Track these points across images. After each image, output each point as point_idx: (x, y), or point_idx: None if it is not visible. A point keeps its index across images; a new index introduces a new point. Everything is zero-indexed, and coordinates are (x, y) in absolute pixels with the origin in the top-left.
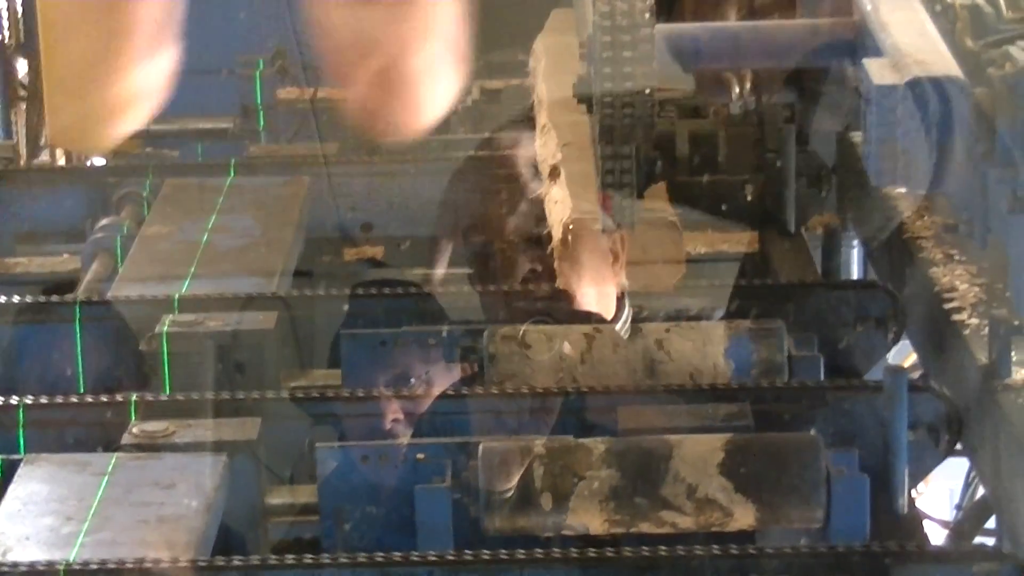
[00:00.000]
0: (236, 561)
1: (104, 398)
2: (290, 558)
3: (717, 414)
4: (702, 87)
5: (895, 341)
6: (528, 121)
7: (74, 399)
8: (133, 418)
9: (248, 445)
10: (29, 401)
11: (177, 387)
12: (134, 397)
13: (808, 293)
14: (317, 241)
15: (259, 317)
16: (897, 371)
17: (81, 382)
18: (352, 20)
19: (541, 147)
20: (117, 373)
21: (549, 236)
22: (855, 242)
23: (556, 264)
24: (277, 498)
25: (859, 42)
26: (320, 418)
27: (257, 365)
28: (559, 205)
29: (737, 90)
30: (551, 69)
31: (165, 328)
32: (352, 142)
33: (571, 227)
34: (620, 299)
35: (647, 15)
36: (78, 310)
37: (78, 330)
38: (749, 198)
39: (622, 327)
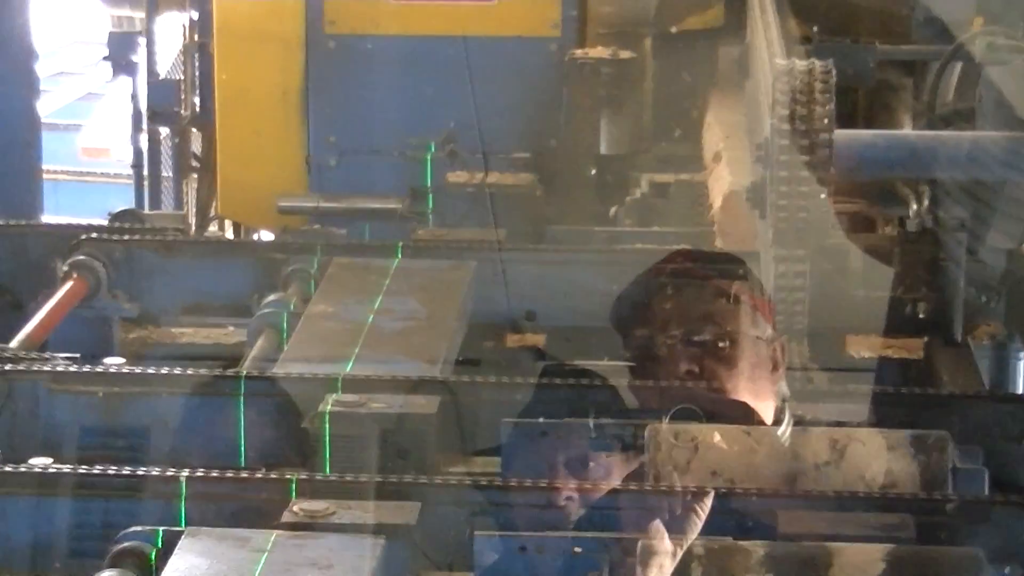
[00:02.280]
0: None
1: (265, 475)
2: None
3: (879, 524)
4: (878, 198)
5: None
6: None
7: (236, 474)
8: (294, 496)
9: (407, 530)
10: (191, 474)
11: (338, 467)
12: (295, 475)
13: (974, 404)
14: (480, 326)
15: (422, 401)
16: None
17: (243, 457)
18: None
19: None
20: (279, 450)
21: (712, 341)
22: (1021, 353)
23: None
24: None
25: None
26: (479, 506)
27: (419, 449)
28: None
29: (915, 206)
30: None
31: (328, 408)
32: (519, 228)
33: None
34: (781, 405)
35: (827, 120)
36: (243, 385)
37: (242, 405)
38: (921, 315)
39: (784, 431)
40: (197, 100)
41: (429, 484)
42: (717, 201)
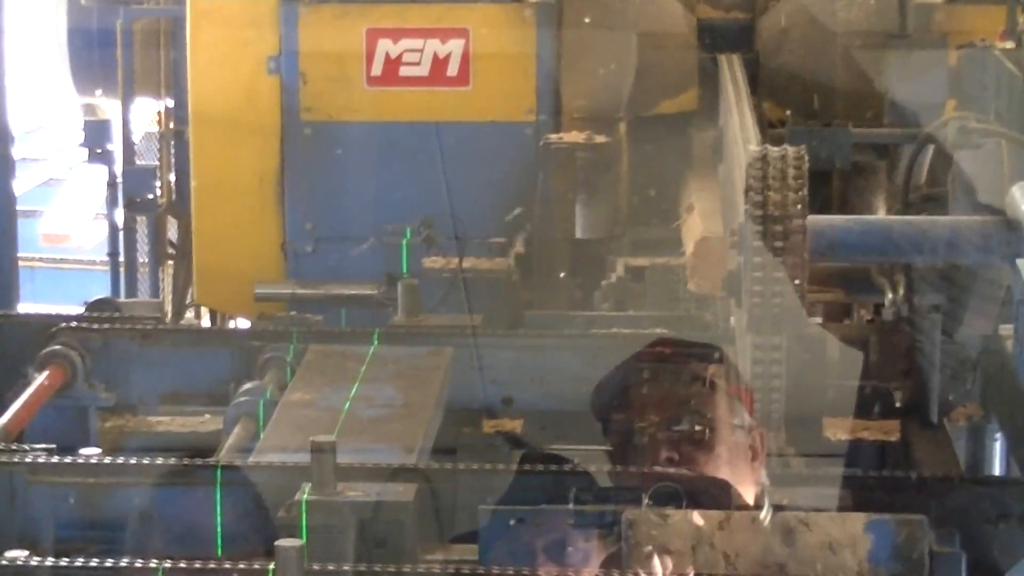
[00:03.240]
0: None
1: (242, 564)
2: None
3: None
4: (853, 287)
5: None
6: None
7: (213, 564)
8: None
9: None
10: (170, 565)
11: (315, 556)
12: (271, 565)
13: (951, 488)
14: (457, 412)
15: (399, 489)
16: None
17: (219, 546)
18: None
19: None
20: (256, 539)
21: (691, 429)
22: (997, 435)
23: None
24: None
25: (1013, 241)
26: None
27: (396, 537)
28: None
29: (890, 294)
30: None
31: (304, 496)
32: (495, 314)
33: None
34: (760, 493)
35: (799, 206)
36: (219, 474)
37: (218, 494)
38: (898, 404)
39: (764, 518)
40: (174, 188)
41: (408, 573)
42: (689, 247)
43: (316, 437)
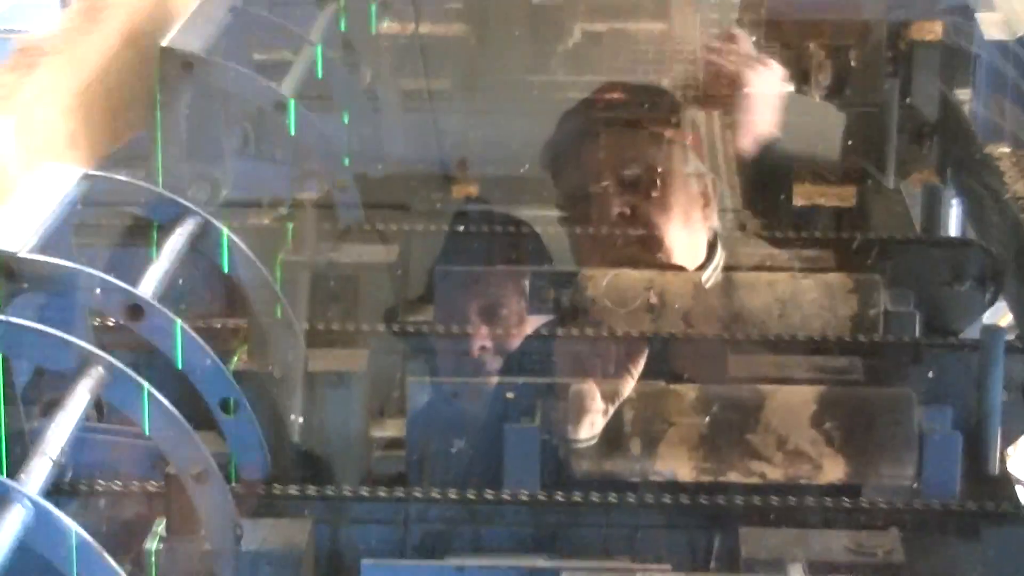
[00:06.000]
0: (329, 491)
1: None
2: (377, 490)
3: (827, 367)
4: None
5: (992, 301)
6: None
7: None
8: None
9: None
10: None
11: None
12: None
13: (905, 249)
14: (423, 175)
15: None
16: (994, 330)
17: None
18: None
19: None
20: None
21: (641, 180)
22: (954, 200)
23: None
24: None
25: None
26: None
27: None
28: None
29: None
30: None
31: None
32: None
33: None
34: (711, 245)
35: None
36: None
37: None
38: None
39: (711, 274)
40: None
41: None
42: None
43: None
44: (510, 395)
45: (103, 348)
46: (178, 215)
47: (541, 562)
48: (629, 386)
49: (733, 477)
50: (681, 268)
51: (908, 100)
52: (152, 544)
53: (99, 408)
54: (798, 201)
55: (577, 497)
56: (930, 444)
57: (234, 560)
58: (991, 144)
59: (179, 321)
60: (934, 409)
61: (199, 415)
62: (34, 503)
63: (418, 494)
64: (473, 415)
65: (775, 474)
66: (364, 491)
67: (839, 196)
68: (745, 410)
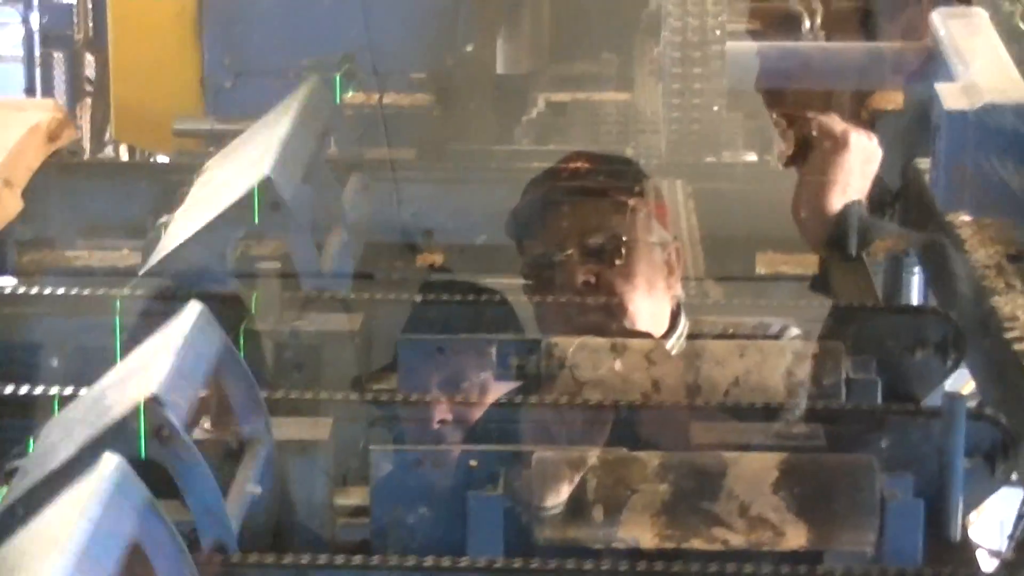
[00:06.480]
0: (287, 559)
1: None
2: (340, 558)
3: (789, 434)
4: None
5: (954, 368)
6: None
7: None
8: None
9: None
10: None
11: None
12: None
13: (868, 317)
14: (386, 246)
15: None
16: (955, 398)
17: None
18: None
19: None
20: None
21: (606, 248)
22: (916, 269)
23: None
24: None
25: (930, 67)
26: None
27: None
28: None
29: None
30: None
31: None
32: (418, 149)
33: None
34: (675, 313)
35: (718, 32)
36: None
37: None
38: None
39: (676, 342)
40: (91, 24)
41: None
42: None
43: None
44: (474, 463)
45: None
46: None
47: None
48: (594, 454)
49: (696, 544)
50: (646, 335)
51: None
52: None
53: None
54: (761, 270)
55: (538, 565)
56: (892, 511)
57: None
58: (952, 212)
59: None
60: (896, 476)
61: (162, 484)
62: None
63: (375, 561)
64: (437, 483)
65: (737, 541)
66: (323, 558)
67: (802, 264)
68: (708, 477)
